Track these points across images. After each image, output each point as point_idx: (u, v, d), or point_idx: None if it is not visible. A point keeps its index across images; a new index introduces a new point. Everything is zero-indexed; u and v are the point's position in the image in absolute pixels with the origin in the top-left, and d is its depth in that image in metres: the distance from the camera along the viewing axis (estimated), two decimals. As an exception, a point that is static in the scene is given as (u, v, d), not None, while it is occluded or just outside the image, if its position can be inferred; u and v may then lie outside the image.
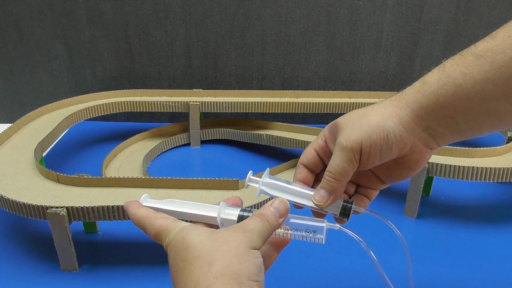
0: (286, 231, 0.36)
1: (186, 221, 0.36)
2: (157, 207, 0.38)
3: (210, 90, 0.93)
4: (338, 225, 0.36)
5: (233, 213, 0.36)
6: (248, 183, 0.40)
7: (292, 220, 0.36)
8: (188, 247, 0.31)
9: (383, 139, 0.34)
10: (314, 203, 0.37)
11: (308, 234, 0.35)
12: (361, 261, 0.59)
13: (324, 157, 0.39)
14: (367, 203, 0.40)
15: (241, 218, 0.35)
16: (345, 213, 0.38)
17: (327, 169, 0.36)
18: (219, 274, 0.29)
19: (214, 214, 0.36)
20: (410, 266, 0.42)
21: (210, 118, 1.00)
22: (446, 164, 0.64)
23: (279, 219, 0.34)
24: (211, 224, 0.36)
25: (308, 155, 0.40)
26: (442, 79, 0.32)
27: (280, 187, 0.39)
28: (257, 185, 0.39)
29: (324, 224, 0.35)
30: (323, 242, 0.35)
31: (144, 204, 0.38)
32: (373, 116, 0.35)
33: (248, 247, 0.31)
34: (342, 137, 0.35)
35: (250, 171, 0.40)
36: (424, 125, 0.34)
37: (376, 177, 0.39)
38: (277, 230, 0.35)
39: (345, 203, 0.38)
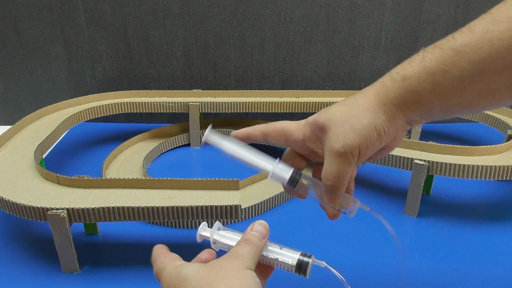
0: (272, 258, 0.36)
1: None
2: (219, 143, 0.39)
3: (210, 91, 0.93)
4: (324, 263, 0.36)
5: (235, 238, 0.38)
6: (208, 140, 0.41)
7: (279, 251, 0.37)
8: (185, 279, 0.32)
9: (376, 138, 0.35)
10: (327, 204, 0.38)
11: (292, 266, 0.36)
12: None
13: (294, 145, 0.40)
14: (351, 184, 0.41)
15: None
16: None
17: (323, 175, 0.36)
18: None
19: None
20: (402, 258, 0.42)
21: (210, 119, 1.00)
22: (446, 163, 0.64)
23: (263, 240, 0.36)
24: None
25: (275, 134, 0.40)
26: (422, 76, 0.33)
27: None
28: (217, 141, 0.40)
29: (310, 260, 0.36)
30: (307, 277, 0.36)
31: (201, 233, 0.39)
32: (363, 116, 0.35)
33: (244, 267, 0.33)
34: (336, 141, 0.35)
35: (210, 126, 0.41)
36: (405, 118, 0.35)
37: None
38: (264, 257, 0.37)
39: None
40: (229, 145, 0.40)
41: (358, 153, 0.35)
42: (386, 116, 0.35)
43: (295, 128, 0.39)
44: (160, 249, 0.38)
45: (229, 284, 0.30)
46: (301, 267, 0.36)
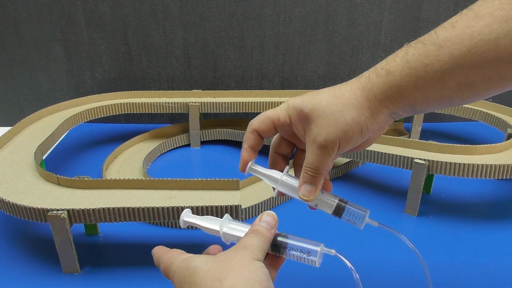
0: (282, 248, 0.37)
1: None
2: (194, 222, 0.40)
3: (210, 91, 0.93)
4: (334, 251, 0.36)
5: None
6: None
7: (288, 240, 0.37)
8: (194, 271, 0.32)
9: (358, 134, 0.36)
10: (301, 198, 0.38)
11: (302, 254, 0.36)
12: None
13: (281, 130, 0.40)
14: (326, 176, 0.41)
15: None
16: (338, 212, 0.39)
17: (306, 164, 0.37)
18: (232, 287, 0.30)
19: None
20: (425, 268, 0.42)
21: (210, 119, 1.00)
22: (446, 162, 0.64)
23: (271, 230, 0.37)
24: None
25: (264, 125, 0.40)
26: (405, 70, 0.33)
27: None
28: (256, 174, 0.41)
29: (318, 248, 0.36)
30: (317, 266, 0.36)
31: (185, 219, 0.40)
32: (347, 112, 0.35)
33: (252, 258, 0.33)
34: (318, 134, 0.36)
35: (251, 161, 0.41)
36: (389, 112, 0.36)
37: None
38: (273, 248, 0.37)
39: (340, 202, 0.39)
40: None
41: (338, 147, 0.36)
42: (370, 112, 0.35)
43: (278, 112, 0.39)
44: (162, 249, 0.38)
45: (238, 275, 0.31)
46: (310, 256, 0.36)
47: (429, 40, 0.33)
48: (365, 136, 0.36)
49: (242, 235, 0.37)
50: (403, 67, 0.34)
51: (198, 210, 0.53)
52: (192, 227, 0.65)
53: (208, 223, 0.39)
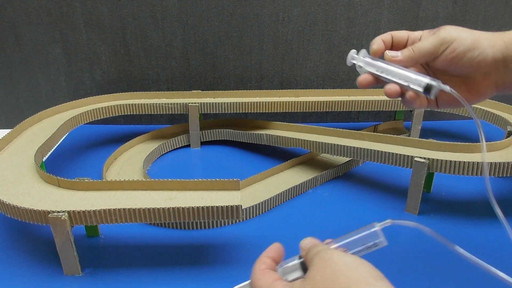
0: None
1: None
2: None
3: (209, 91, 0.93)
4: (390, 220, 0.35)
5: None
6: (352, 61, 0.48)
7: (344, 241, 0.34)
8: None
9: (474, 48, 0.40)
10: (387, 55, 0.44)
11: (367, 243, 0.34)
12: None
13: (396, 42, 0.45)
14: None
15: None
16: (427, 88, 0.42)
17: (413, 45, 0.43)
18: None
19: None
20: None
21: (210, 119, 1.00)
22: (446, 160, 0.64)
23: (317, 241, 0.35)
24: None
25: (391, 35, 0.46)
26: None
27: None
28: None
29: (376, 228, 0.34)
30: (386, 244, 0.35)
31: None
32: (476, 33, 0.41)
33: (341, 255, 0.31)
34: (444, 30, 0.41)
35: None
36: (505, 60, 0.41)
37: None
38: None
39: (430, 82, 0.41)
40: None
41: (450, 45, 0.41)
42: (492, 45, 0.40)
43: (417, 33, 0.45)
44: (265, 263, 0.34)
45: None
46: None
47: None
48: (477, 57, 0.40)
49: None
50: None
51: (199, 211, 0.53)
52: (191, 228, 0.65)
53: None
